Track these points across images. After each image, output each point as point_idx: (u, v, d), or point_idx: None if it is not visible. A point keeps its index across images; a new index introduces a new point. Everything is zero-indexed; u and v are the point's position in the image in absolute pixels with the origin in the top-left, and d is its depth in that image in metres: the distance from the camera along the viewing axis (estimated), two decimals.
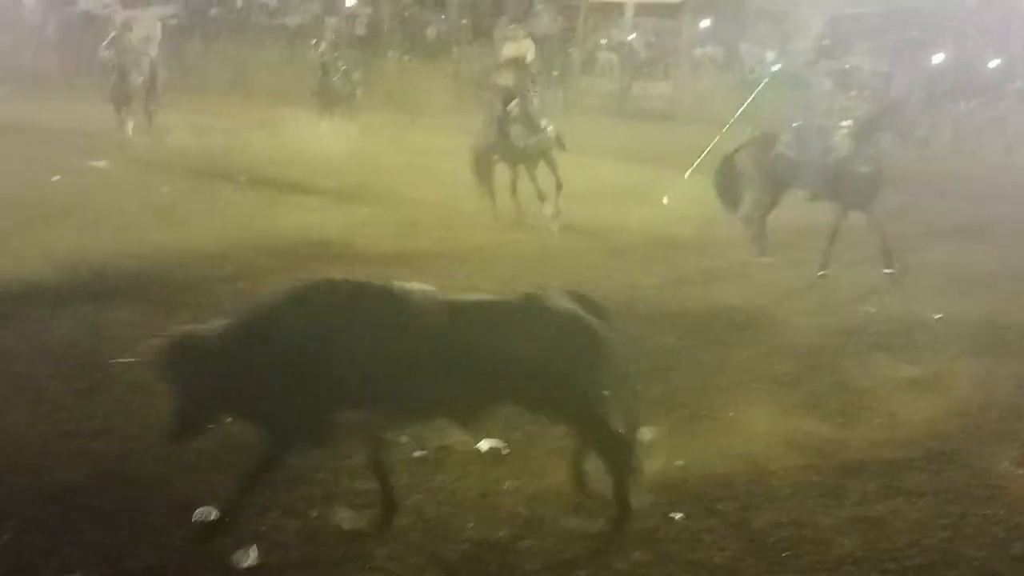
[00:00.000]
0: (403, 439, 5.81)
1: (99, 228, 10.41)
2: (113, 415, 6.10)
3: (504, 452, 5.81)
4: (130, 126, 15.53)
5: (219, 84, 23.28)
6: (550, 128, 11.80)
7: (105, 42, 15.77)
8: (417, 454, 5.71)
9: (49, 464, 5.44)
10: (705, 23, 27.48)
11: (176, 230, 10.60)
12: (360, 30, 29.39)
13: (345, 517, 5.00)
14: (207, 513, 4.93)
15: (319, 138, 16.22)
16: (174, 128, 15.76)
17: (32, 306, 7.92)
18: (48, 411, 6.10)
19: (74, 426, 5.92)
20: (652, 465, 5.27)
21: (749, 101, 13.45)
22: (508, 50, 12.44)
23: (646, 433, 5.46)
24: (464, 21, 29.64)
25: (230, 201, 12.23)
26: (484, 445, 5.83)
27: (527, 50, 12.39)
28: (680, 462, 5.66)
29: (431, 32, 27.16)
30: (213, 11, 28.93)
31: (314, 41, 19.07)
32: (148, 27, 16.03)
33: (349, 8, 30.49)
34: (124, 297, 8.30)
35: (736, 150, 10.84)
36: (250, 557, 4.62)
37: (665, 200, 12.26)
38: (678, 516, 5.10)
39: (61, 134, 15.55)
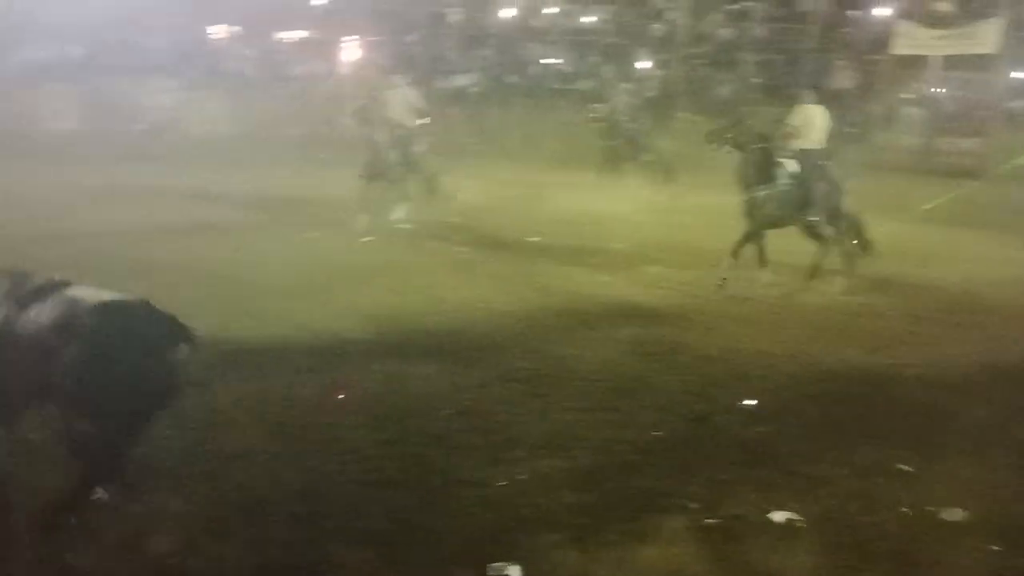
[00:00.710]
0: (693, 505, 5.71)
1: (403, 287, 10.92)
2: (412, 467, 6.33)
3: (799, 525, 5.58)
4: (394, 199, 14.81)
5: (513, 148, 24.11)
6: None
7: (352, 109, 15.50)
8: (708, 521, 5.59)
9: (355, 510, 5.70)
10: (1019, 75, 25.77)
11: (472, 289, 10.97)
12: (651, 92, 29.78)
13: None
14: (501, 569, 5.01)
15: (608, 199, 16.37)
16: (466, 191, 16.29)
17: (342, 360, 8.39)
18: (353, 460, 6.40)
19: (376, 475, 6.18)
20: None
21: None
22: (796, 118, 12.24)
23: None
24: (756, 80, 29.40)
25: (521, 261, 12.53)
26: (779, 517, 5.64)
27: (814, 116, 12.19)
28: None
29: (723, 92, 26.96)
30: (510, 78, 30.10)
31: (603, 104, 19.34)
32: (404, 97, 15.19)
33: (641, 71, 31.02)
34: (425, 353, 8.65)
35: None
36: None
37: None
38: None
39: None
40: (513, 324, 9.69)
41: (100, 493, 5.53)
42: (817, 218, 11.57)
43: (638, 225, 14.73)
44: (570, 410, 7.47)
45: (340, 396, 7.51)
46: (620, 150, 18.34)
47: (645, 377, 8.31)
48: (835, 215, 11.65)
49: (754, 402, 7.72)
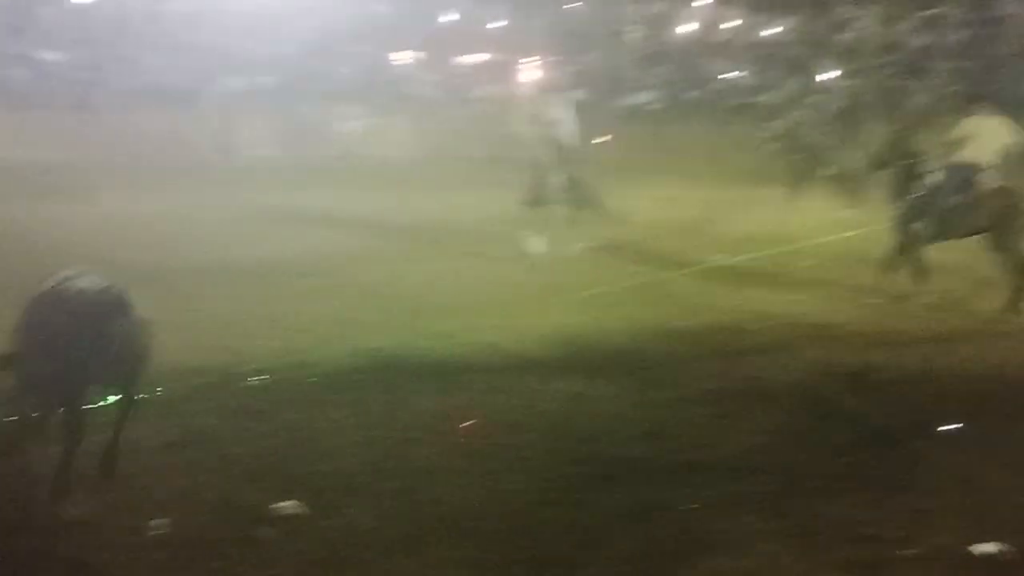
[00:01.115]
0: (887, 535, 5.45)
1: (583, 307, 10.87)
2: (599, 488, 6.27)
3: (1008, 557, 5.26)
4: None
5: (694, 165, 23.80)
6: None
7: (519, 130, 15.21)
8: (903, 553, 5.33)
9: (541, 530, 5.69)
10: None
11: (654, 309, 10.83)
12: (839, 103, 28.85)
13: None
14: None
15: (790, 216, 15.92)
16: (645, 210, 16.13)
17: (526, 379, 8.42)
18: (540, 479, 6.39)
19: (560, 495, 6.16)
20: None
21: None
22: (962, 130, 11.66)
23: None
24: (954, 88, 28.02)
25: (703, 281, 12.31)
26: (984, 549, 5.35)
27: (984, 128, 11.49)
28: None
29: (918, 101, 25.85)
30: (690, 94, 29.71)
31: (780, 119, 18.80)
32: (558, 110, 14.96)
33: (828, 81, 30.10)
34: (608, 372, 8.59)
35: None
36: None
37: None
38: None
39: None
40: (697, 344, 9.53)
41: (295, 507, 5.74)
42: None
43: (823, 243, 14.24)
44: (757, 432, 7.26)
45: (524, 415, 7.54)
46: (802, 165, 17.71)
47: (835, 399, 8.01)
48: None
49: (956, 426, 7.31)
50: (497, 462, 6.64)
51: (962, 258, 11.69)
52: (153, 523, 5.62)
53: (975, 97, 13.07)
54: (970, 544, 5.45)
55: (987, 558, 5.37)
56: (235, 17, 26.73)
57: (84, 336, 5.83)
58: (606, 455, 6.77)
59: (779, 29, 32.04)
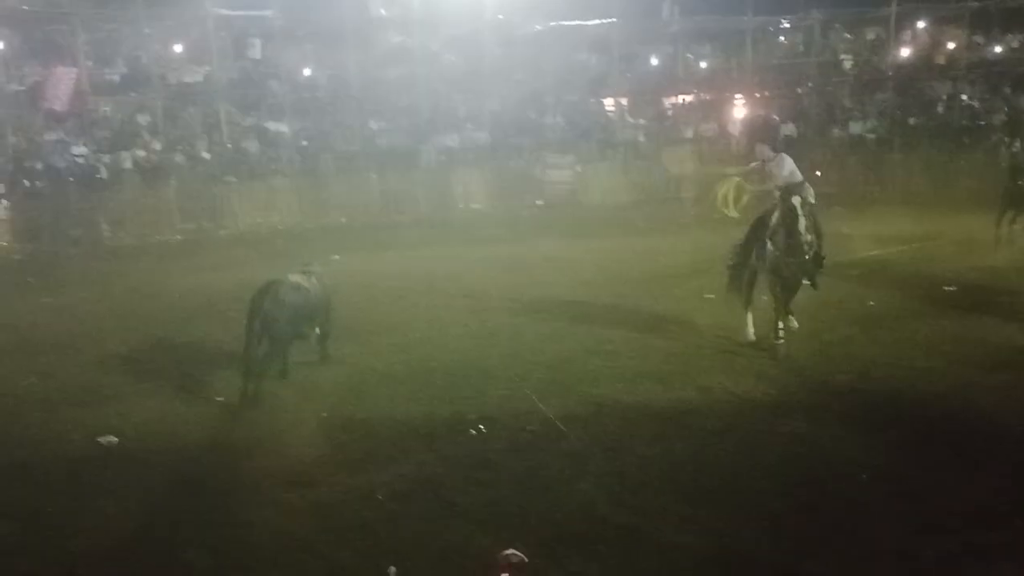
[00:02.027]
0: None
1: (806, 345, 10.49)
2: (831, 534, 6.01)
3: None
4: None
5: (918, 193, 22.79)
6: None
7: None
8: None
9: None
10: None
11: (883, 346, 10.35)
12: None
13: None
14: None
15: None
16: (860, 240, 15.45)
17: (750, 420, 8.20)
18: (769, 526, 6.18)
19: (794, 543, 5.92)
20: None
21: None
22: None
23: None
24: None
25: (934, 314, 11.68)
26: None
27: None
28: None
29: None
30: (913, 120, 28.50)
31: (1006, 138, 17.26)
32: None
33: None
34: (835, 412, 8.25)
35: None
36: None
37: None
38: None
39: None
40: (931, 381, 9.00)
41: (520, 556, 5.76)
42: None
43: None
44: (1000, 476, 6.77)
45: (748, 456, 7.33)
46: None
47: None
48: None
49: None
50: (721, 508, 6.46)
51: None
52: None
53: None
54: None
55: None
56: (448, 77, 27.65)
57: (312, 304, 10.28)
58: (838, 499, 6.48)
59: (1007, 47, 30.38)
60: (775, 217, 10.16)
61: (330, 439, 8.28)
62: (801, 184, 10.18)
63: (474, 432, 8.24)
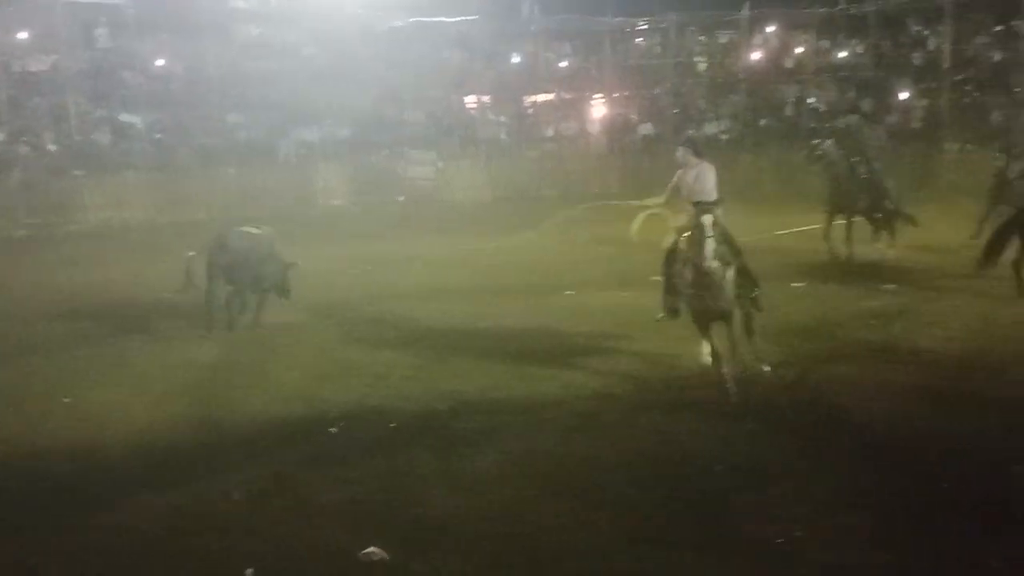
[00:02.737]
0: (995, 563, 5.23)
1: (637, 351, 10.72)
2: (689, 526, 6.15)
3: None
4: None
5: (772, 192, 23.55)
6: None
7: None
8: None
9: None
10: None
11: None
12: (915, 123, 28.35)
13: None
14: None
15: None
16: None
17: (610, 415, 8.33)
18: (625, 515, 6.29)
19: (652, 534, 6.05)
20: None
21: None
22: None
23: None
24: None
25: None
26: None
27: None
28: None
29: (995, 118, 25.28)
30: (763, 121, 29.49)
31: (820, 141, 16.48)
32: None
33: (904, 101, 29.61)
34: (688, 406, 8.45)
35: None
36: None
37: None
38: None
39: None
40: (780, 374, 9.28)
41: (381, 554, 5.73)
42: None
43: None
44: (842, 464, 7.06)
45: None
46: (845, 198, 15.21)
47: (938, 427, 7.76)
48: None
49: None
50: (586, 503, 6.55)
51: None
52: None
53: None
54: None
55: None
56: (308, 71, 27.28)
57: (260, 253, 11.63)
58: (695, 490, 6.66)
59: (850, 52, 31.66)
60: (684, 243, 8.86)
61: (186, 439, 8.08)
62: (718, 202, 9.06)
63: (334, 430, 8.16)
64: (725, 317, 8.80)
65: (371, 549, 5.83)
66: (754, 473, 6.94)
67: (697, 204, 8.78)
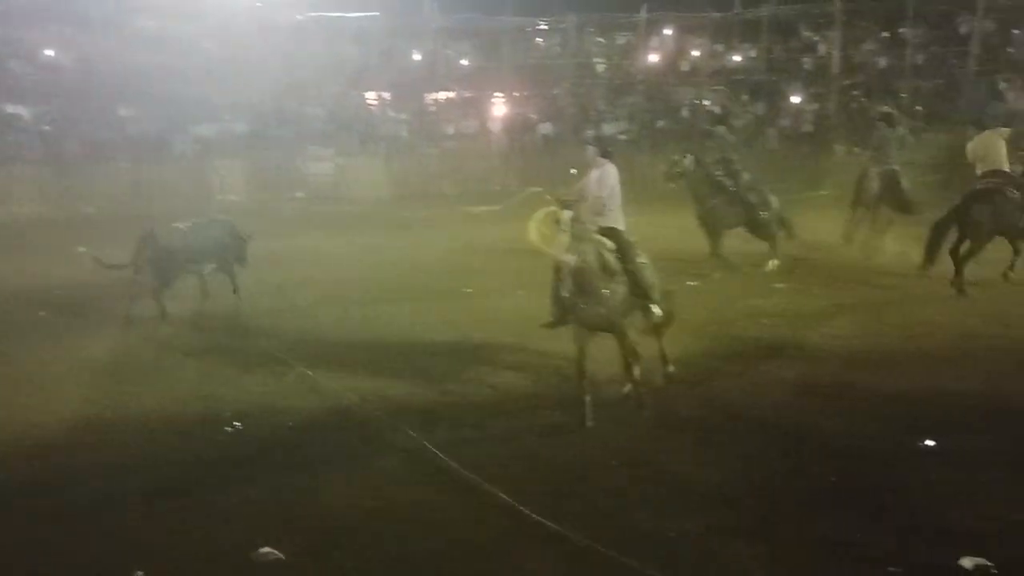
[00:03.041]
0: (875, 553, 5.45)
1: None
2: (590, 521, 6.24)
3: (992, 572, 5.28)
4: None
5: (669, 193, 23.86)
6: None
7: None
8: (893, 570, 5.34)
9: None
10: None
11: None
12: (806, 126, 29.18)
13: None
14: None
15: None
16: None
17: (509, 412, 8.40)
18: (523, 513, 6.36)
19: (547, 531, 6.13)
20: None
21: None
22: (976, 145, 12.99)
23: None
24: (918, 108, 28.43)
25: None
26: (968, 563, 5.37)
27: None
28: None
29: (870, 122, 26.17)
30: (660, 123, 29.99)
31: (680, 157, 15.03)
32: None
33: (795, 105, 30.44)
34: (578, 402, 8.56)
35: None
36: None
37: None
38: None
39: None
40: (676, 371, 9.48)
41: (276, 554, 5.66)
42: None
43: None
44: (735, 459, 7.25)
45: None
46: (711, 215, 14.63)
47: (824, 422, 8.00)
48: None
49: (933, 443, 7.35)
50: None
51: None
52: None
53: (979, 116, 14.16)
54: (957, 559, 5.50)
55: (973, 572, 5.40)
56: (204, 66, 26.79)
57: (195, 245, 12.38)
58: (594, 487, 6.76)
59: (743, 56, 32.38)
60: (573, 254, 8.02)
61: (77, 440, 7.88)
62: (615, 211, 8.73)
63: (230, 429, 8.06)
64: (610, 328, 8.35)
65: (266, 549, 5.79)
66: (650, 468, 7.07)
67: (561, 200, 8.24)
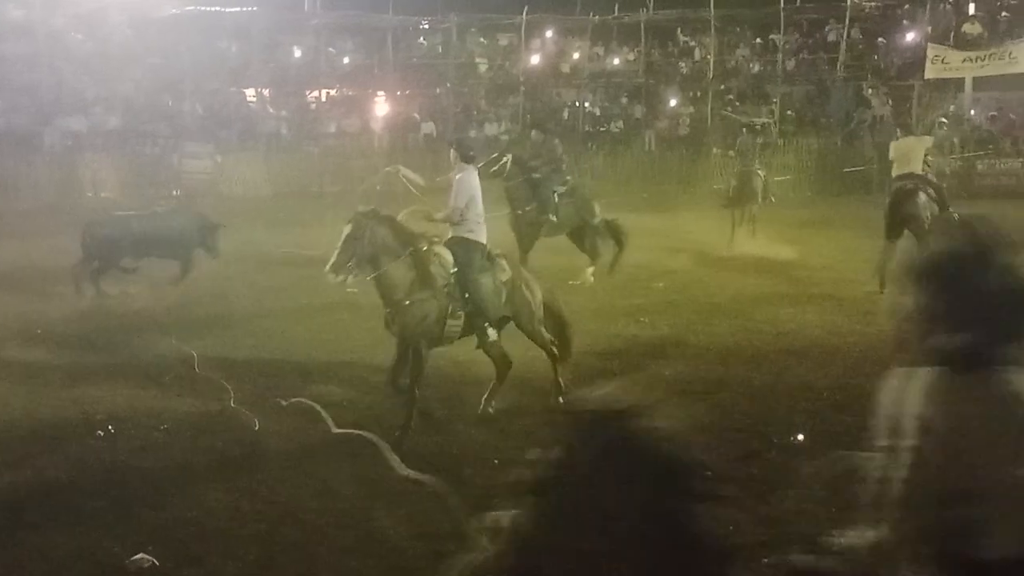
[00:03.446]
0: None
1: None
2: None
3: None
4: None
5: None
6: None
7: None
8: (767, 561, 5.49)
9: None
10: None
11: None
12: (682, 129, 29.84)
13: None
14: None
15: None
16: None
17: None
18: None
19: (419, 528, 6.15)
20: None
21: None
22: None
23: None
24: (789, 112, 29.41)
25: None
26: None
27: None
28: None
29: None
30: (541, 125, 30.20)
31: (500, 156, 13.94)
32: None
33: (672, 108, 31.09)
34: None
35: None
36: None
37: None
38: None
39: None
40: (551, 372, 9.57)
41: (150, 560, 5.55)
42: None
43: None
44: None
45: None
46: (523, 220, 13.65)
47: (701, 417, 8.13)
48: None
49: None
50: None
51: None
52: None
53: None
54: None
55: None
56: (74, 58, 25.95)
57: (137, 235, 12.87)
58: None
59: (623, 60, 32.92)
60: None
61: None
62: (475, 222, 8.12)
63: (102, 433, 7.85)
64: (402, 340, 7.84)
65: (139, 556, 5.66)
66: (520, 466, 7.11)
67: (450, 213, 7.91)
